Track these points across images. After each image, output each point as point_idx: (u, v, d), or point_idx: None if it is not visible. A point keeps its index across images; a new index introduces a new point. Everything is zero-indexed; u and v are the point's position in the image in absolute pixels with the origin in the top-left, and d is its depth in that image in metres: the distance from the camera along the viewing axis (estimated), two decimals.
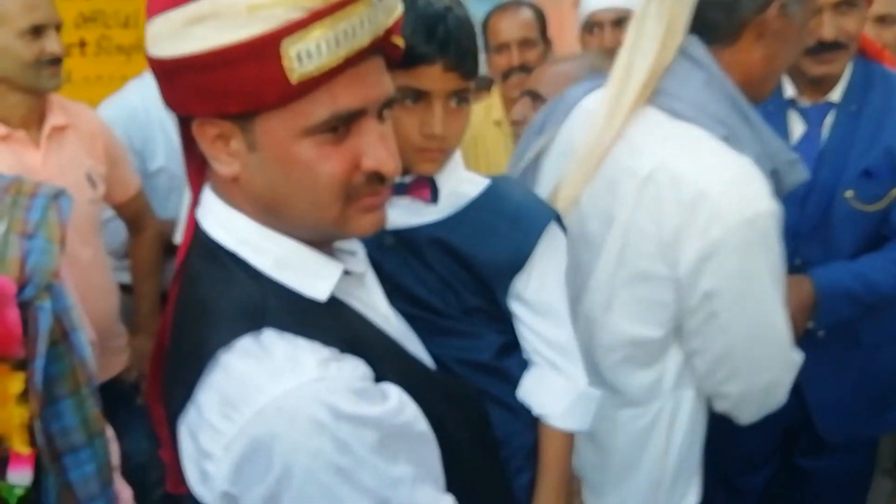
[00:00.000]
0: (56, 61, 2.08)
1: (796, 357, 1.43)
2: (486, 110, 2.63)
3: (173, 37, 0.88)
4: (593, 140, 1.39)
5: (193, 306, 0.97)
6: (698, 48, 1.33)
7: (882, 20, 2.50)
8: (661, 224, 1.30)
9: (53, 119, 2.15)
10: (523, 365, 1.36)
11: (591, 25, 2.42)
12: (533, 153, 1.54)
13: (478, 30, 1.33)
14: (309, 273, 0.98)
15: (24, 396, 1.35)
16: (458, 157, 1.33)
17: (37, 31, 2.03)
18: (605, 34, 2.38)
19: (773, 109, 1.96)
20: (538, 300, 1.31)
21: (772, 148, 1.34)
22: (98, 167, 2.26)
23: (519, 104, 2.01)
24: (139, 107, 2.61)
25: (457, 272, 1.27)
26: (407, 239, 1.28)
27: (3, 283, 1.31)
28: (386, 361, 1.00)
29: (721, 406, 1.45)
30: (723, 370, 1.38)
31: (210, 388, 0.91)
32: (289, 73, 0.86)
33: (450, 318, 1.29)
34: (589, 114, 1.47)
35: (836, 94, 1.93)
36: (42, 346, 1.36)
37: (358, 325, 1.02)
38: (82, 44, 2.90)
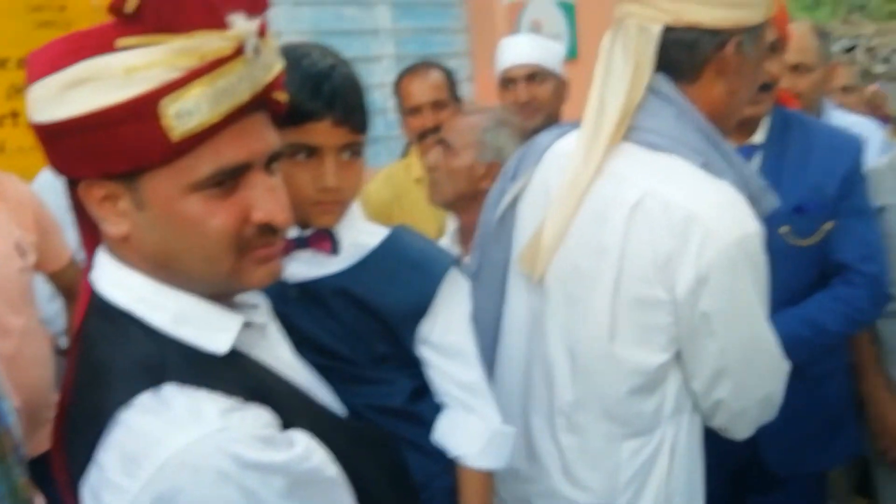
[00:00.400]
0: None
1: (786, 366, 1.48)
2: (406, 169, 2.69)
3: (53, 101, 0.89)
4: (572, 177, 1.43)
5: (91, 368, 0.96)
6: (666, 85, 1.39)
7: (796, 69, 2.63)
8: (654, 249, 1.34)
9: None
10: (436, 408, 1.39)
11: (507, 81, 2.52)
12: (509, 198, 1.57)
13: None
14: (208, 327, 0.98)
15: None
16: (356, 209, 1.37)
17: None
18: (518, 89, 2.48)
19: None
20: (445, 343, 1.35)
21: (745, 175, 1.41)
22: (28, 236, 2.27)
23: (432, 152, 2.10)
24: None
25: (363, 320, 1.31)
26: (311, 291, 1.31)
27: None
28: (293, 409, 1.01)
29: (717, 422, 1.48)
30: (721, 387, 1.41)
31: (111, 447, 0.90)
32: (169, 132, 0.88)
33: (359, 366, 1.32)
34: (563, 156, 1.52)
35: (759, 136, 2.03)
36: None
37: (262, 375, 1.03)
38: (14, 114, 2.93)
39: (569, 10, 4.27)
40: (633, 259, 1.35)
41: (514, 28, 4.09)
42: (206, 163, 0.91)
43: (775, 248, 1.93)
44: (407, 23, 3.97)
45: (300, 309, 1.31)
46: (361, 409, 1.30)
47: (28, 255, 2.26)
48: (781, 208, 1.93)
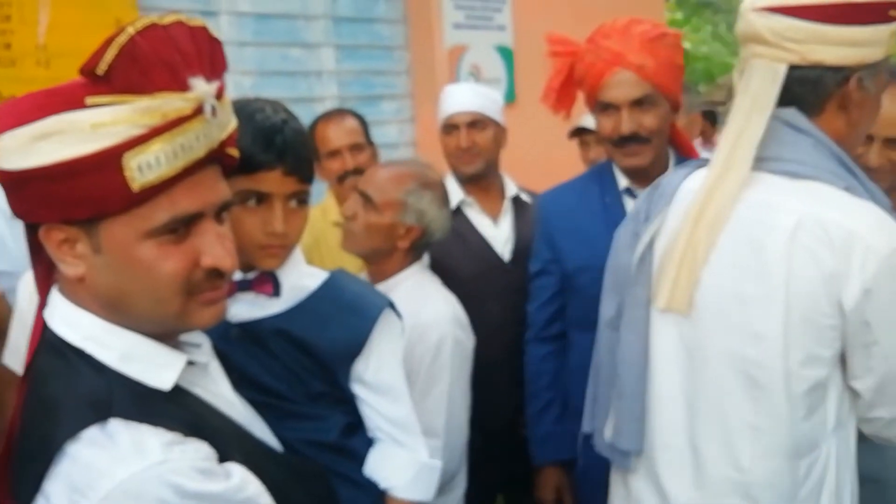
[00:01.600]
0: None
1: None
2: (324, 213, 2.73)
3: (21, 151, 0.97)
4: (705, 210, 1.51)
5: (41, 401, 1.01)
6: (799, 117, 1.50)
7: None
8: (819, 268, 1.41)
9: None
10: (368, 442, 1.46)
11: (449, 127, 2.58)
12: (647, 238, 1.63)
13: None
14: (153, 364, 1.06)
15: None
16: (298, 253, 1.46)
17: None
18: (460, 135, 2.54)
19: (610, 200, 2.18)
20: (377, 381, 1.43)
21: (878, 197, 1.51)
22: None
23: (349, 200, 2.08)
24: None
25: (300, 360, 1.38)
26: (251, 331, 1.39)
27: None
28: (231, 444, 1.08)
29: (870, 429, 1.55)
30: (884, 395, 1.47)
31: (58, 478, 0.95)
32: (130, 183, 0.96)
33: (295, 402, 1.39)
34: (689, 192, 1.59)
35: None
36: None
37: (202, 411, 1.10)
38: None
39: (507, 56, 4.42)
40: (799, 280, 1.43)
41: (454, 72, 4.22)
42: (162, 211, 0.99)
43: None
44: (350, 65, 4.06)
45: (240, 348, 1.38)
46: (296, 444, 1.36)
47: None
48: None
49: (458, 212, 2.51)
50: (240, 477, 1.04)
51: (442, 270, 2.26)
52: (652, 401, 1.61)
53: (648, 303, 1.61)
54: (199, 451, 1.01)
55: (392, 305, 1.47)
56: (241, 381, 1.30)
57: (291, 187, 1.37)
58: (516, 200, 2.61)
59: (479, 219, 2.55)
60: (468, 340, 2.08)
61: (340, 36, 4.03)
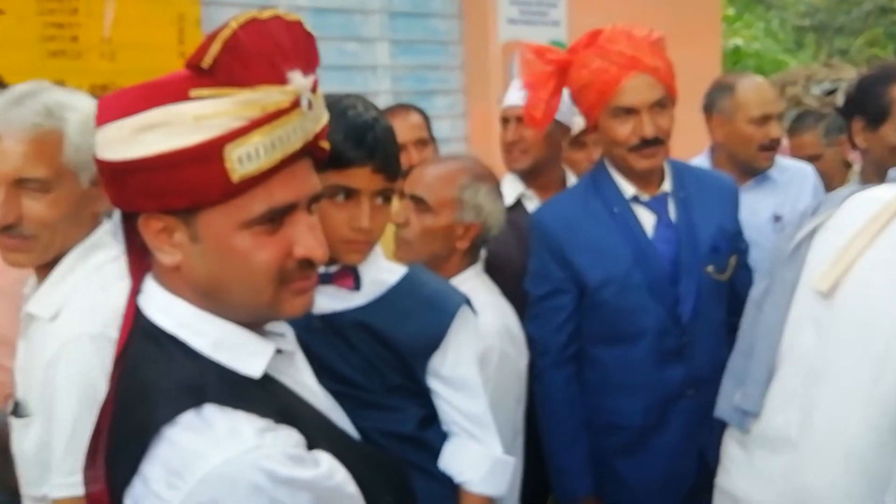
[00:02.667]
0: None
1: None
2: None
3: (125, 142, 0.99)
4: (872, 214, 1.59)
5: (136, 387, 1.04)
6: None
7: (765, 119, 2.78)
8: None
9: None
10: (443, 436, 1.47)
11: (503, 120, 2.59)
12: (808, 229, 1.69)
13: None
14: (244, 352, 1.08)
15: None
16: (378, 249, 1.47)
17: None
18: (508, 129, 2.53)
19: (620, 210, 2.14)
20: (454, 376, 1.44)
21: None
22: None
23: (399, 206, 1.95)
24: None
25: (379, 352, 1.40)
26: (333, 323, 1.41)
27: None
28: (316, 432, 1.09)
29: None
30: None
31: (155, 461, 0.98)
32: (230, 174, 0.98)
33: (373, 393, 1.41)
34: (874, 199, 1.64)
35: (667, 185, 2.15)
36: None
37: (289, 399, 1.12)
38: None
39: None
40: None
41: (507, 67, 4.21)
42: (259, 202, 1.01)
43: (706, 287, 2.11)
44: (405, 59, 4.08)
45: (322, 339, 1.40)
46: (373, 434, 1.38)
47: None
48: (702, 248, 2.11)
49: (517, 205, 2.50)
50: (328, 464, 1.05)
51: (498, 263, 2.23)
52: (782, 365, 1.67)
53: (794, 284, 1.68)
54: (290, 437, 1.03)
55: (468, 302, 1.48)
56: (322, 371, 1.31)
57: (379, 184, 1.38)
58: None
59: None
60: (520, 357, 1.99)
61: (396, 31, 4.04)
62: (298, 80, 1.02)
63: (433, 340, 1.42)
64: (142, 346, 1.07)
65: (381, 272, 1.46)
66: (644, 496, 2.15)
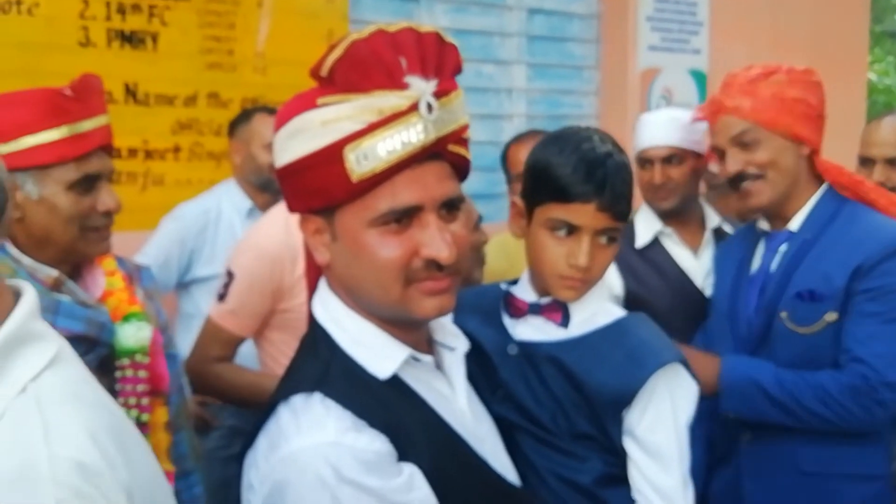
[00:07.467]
0: None
1: None
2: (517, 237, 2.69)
3: (280, 150, 1.12)
4: None
5: (289, 368, 1.17)
6: None
7: (891, 163, 2.63)
8: None
9: None
10: (626, 501, 1.34)
11: (643, 161, 2.46)
12: None
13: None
14: (376, 352, 1.12)
15: (167, 426, 1.63)
16: (600, 288, 1.40)
17: None
18: (654, 170, 2.42)
19: (749, 243, 2.15)
20: (649, 441, 1.32)
21: None
22: None
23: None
24: (212, 207, 2.88)
25: (569, 393, 1.33)
26: (528, 352, 1.36)
27: (156, 336, 1.60)
28: (425, 446, 1.09)
29: None
30: None
31: (266, 432, 1.09)
32: (350, 174, 1.05)
33: (556, 436, 1.33)
34: None
35: (794, 224, 2.04)
36: (175, 385, 1.70)
37: (409, 407, 1.12)
38: (177, 149, 3.14)
39: (700, 80, 4.33)
40: None
41: (645, 94, 4.17)
42: (383, 202, 1.07)
43: (775, 332, 2.00)
44: (540, 83, 4.09)
45: (514, 366, 1.36)
46: (546, 475, 1.32)
47: None
48: (787, 294, 1.98)
49: (654, 243, 2.43)
50: (407, 480, 1.05)
51: (637, 303, 2.20)
52: None
53: None
54: (371, 443, 1.05)
55: (685, 363, 1.36)
56: (506, 399, 1.31)
57: (604, 223, 1.32)
58: (717, 232, 2.48)
59: (677, 250, 2.43)
60: None
61: (533, 54, 4.08)
62: (417, 85, 1.06)
63: (625, 394, 1.31)
64: (308, 333, 1.19)
65: (597, 314, 1.38)
66: None
